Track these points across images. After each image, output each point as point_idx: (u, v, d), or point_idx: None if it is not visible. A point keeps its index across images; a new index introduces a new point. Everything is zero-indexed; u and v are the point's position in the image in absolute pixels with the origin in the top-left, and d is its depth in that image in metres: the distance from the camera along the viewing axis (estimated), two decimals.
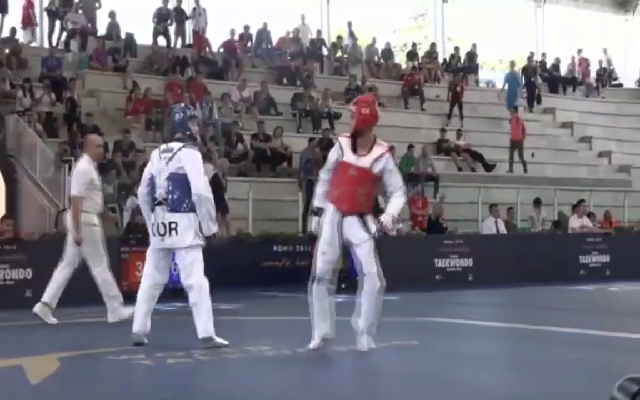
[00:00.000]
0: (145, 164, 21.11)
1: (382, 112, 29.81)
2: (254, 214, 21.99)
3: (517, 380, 8.16)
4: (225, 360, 9.08)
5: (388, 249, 19.83)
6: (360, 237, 9.67)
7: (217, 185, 20.81)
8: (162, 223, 9.74)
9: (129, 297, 15.17)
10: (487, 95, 33.56)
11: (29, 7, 27.80)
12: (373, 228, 9.71)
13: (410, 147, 26.42)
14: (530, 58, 34.38)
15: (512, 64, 33.15)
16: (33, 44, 28.71)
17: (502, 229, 23.09)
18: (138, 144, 22.65)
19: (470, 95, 32.10)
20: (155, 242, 9.92)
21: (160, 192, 9.82)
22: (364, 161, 9.54)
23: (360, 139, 9.68)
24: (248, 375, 8.45)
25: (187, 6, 30.28)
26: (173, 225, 9.70)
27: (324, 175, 9.81)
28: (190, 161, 9.80)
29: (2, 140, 20.45)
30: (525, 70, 33.83)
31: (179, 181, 9.73)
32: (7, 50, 25.74)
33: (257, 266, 19.73)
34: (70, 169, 19.77)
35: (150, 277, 10.00)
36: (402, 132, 28.48)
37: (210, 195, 9.85)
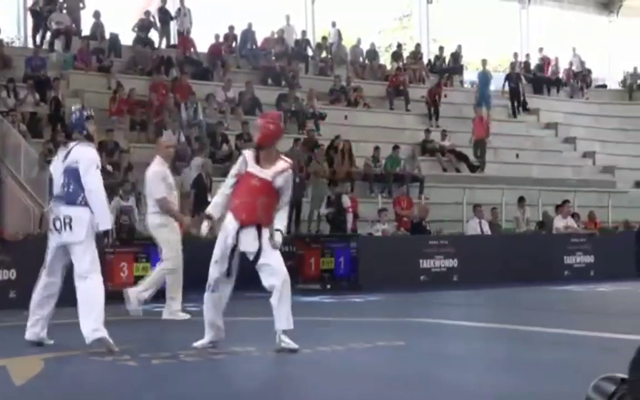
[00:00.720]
0: (130, 165, 21.24)
1: (367, 112, 30.23)
2: None
3: (503, 380, 8.17)
4: (211, 360, 9.07)
5: (373, 250, 20.02)
6: (254, 247, 9.65)
7: (200, 186, 20.84)
8: (58, 218, 9.65)
9: (113, 298, 15.17)
10: (472, 96, 33.55)
11: None
12: (265, 241, 9.68)
13: (396, 147, 26.48)
14: (513, 64, 34.36)
15: (484, 62, 32.96)
16: (17, 44, 28.66)
17: (486, 229, 23.13)
18: (122, 144, 22.62)
19: (454, 96, 32.18)
20: (52, 238, 9.83)
21: (56, 189, 9.82)
22: (267, 173, 9.66)
23: (264, 153, 9.79)
24: (234, 376, 8.44)
25: (172, 6, 30.23)
26: (67, 220, 9.59)
27: (225, 188, 9.88)
28: (82, 156, 9.75)
29: None
30: (508, 76, 33.83)
31: (74, 175, 9.68)
32: None
33: (240, 267, 19.66)
34: None
35: (46, 273, 9.95)
36: (387, 132, 28.61)
37: (101, 191, 9.72)
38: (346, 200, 21.31)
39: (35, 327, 9.84)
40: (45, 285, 9.88)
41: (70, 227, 9.57)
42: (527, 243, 22.76)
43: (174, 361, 8.99)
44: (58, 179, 9.79)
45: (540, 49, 36.77)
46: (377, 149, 26.35)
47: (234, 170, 9.90)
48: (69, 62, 26.66)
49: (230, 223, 9.62)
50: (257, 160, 9.72)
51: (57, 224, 9.62)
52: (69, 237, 9.60)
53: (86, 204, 9.60)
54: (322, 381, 8.12)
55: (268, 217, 9.68)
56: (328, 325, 13.02)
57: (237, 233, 9.59)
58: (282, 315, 9.59)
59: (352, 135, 27.17)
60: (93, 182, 9.65)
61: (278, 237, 9.63)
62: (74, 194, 9.63)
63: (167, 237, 13.00)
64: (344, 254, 19.61)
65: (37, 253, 15.92)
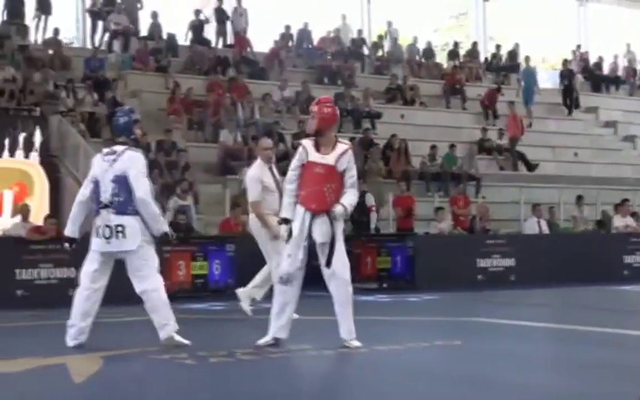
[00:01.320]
0: (187, 164, 21.35)
1: (424, 111, 30.08)
2: None
3: (557, 380, 8.10)
4: (268, 359, 9.08)
5: (430, 249, 19.94)
6: (328, 237, 9.55)
7: None
8: (107, 226, 9.57)
9: (171, 297, 15.27)
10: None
11: None
12: (341, 227, 9.67)
13: (452, 146, 26.35)
14: (566, 61, 34.00)
15: (527, 59, 32.66)
16: (75, 45, 28.94)
17: (545, 228, 22.94)
18: (180, 143, 22.76)
19: (512, 94, 31.93)
20: (97, 244, 9.73)
21: (105, 196, 9.69)
22: (329, 158, 9.59)
23: (323, 139, 9.71)
24: (290, 375, 8.44)
25: (229, 6, 30.36)
26: (120, 229, 9.55)
27: (289, 184, 9.75)
28: (132, 164, 9.68)
29: (46, 141, 20.59)
30: (561, 73, 33.49)
31: (124, 183, 9.61)
32: (50, 51, 25.96)
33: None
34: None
35: (87, 279, 9.86)
36: (443, 131, 28.48)
37: (151, 197, 9.65)
38: (370, 199, 21.06)
39: (83, 334, 9.73)
40: (88, 296, 9.79)
41: (124, 236, 9.55)
42: (585, 242, 22.50)
43: (231, 360, 9.01)
44: (107, 185, 9.67)
45: (578, 46, 36.31)
46: (433, 147, 26.24)
47: (295, 163, 9.77)
48: (127, 62, 26.87)
49: (300, 214, 9.57)
50: (317, 148, 9.66)
51: (107, 232, 9.57)
52: (122, 246, 9.59)
53: (136, 213, 9.56)
54: (380, 381, 8.10)
55: (336, 202, 9.61)
56: (385, 324, 12.99)
57: (310, 223, 9.55)
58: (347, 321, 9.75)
59: (408, 134, 27.12)
60: (144, 190, 9.59)
61: (339, 209, 9.52)
62: (125, 204, 9.58)
63: (266, 239, 12.94)
64: (400, 253, 19.56)
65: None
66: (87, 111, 23.22)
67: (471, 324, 12.79)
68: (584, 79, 35.13)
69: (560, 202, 24.88)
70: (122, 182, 9.58)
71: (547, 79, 38.18)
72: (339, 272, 9.68)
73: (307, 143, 9.79)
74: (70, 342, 9.66)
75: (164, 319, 9.60)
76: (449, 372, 8.63)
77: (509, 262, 20.72)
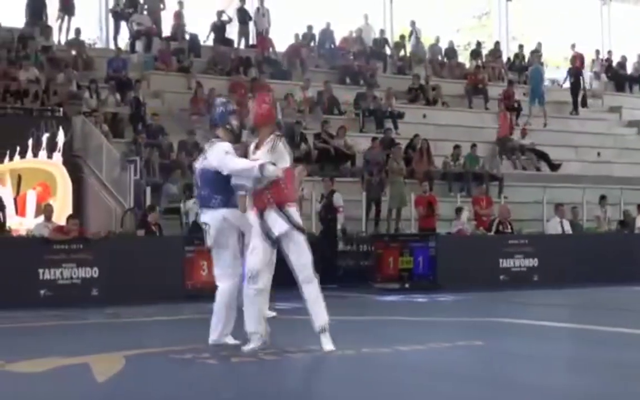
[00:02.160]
0: None
1: (446, 111, 30.08)
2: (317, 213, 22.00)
3: (581, 381, 8.07)
4: (289, 359, 9.10)
5: (452, 249, 19.92)
6: (280, 227, 9.40)
7: None
8: (205, 222, 9.67)
9: (193, 297, 15.34)
10: (552, 93, 33.19)
11: None
12: (296, 217, 9.55)
13: (474, 146, 26.30)
14: (574, 58, 33.75)
15: (536, 57, 32.34)
16: (98, 45, 29.05)
17: (568, 228, 22.86)
18: (202, 143, 22.77)
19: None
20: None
21: (196, 191, 9.96)
22: (259, 154, 9.50)
23: (259, 136, 9.70)
24: (311, 374, 8.45)
25: (251, 6, 30.41)
26: (207, 227, 9.62)
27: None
28: (213, 153, 9.65)
29: (69, 141, 20.67)
30: (569, 71, 33.28)
31: (207, 176, 9.63)
32: (73, 52, 26.07)
33: (321, 266, 19.74)
34: (135, 168, 20.03)
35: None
36: (466, 131, 28.42)
37: (240, 165, 9.42)
38: (338, 199, 20.90)
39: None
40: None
41: (209, 233, 9.61)
42: (608, 242, 22.41)
43: (253, 359, 9.01)
44: (196, 181, 9.82)
45: (573, 46, 35.86)
46: (456, 147, 26.19)
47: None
48: (150, 62, 26.96)
49: (253, 216, 9.49)
50: (257, 146, 9.64)
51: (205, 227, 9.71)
52: (209, 242, 9.68)
53: (220, 205, 9.54)
54: (402, 381, 8.10)
55: (282, 194, 9.48)
56: (407, 324, 12.99)
57: (263, 221, 9.42)
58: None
59: (430, 133, 27.10)
60: (229, 164, 9.45)
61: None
62: (208, 198, 9.62)
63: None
64: (422, 253, 19.53)
65: (119, 251, 16.24)
66: (110, 111, 23.31)
67: (493, 325, 12.76)
68: (607, 78, 34.98)
69: (583, 202, 24.80)
70: (205, 176, 9.68)
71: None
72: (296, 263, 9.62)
73: (252, 144, 9.77)
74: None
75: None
76: (471, 373, 8.62)
77: (532, 262, 20.66)
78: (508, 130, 27.92)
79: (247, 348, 9.29)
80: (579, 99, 32.25)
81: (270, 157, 9.39)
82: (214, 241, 9.62)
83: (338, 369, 8.87)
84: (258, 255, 9.32)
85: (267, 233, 9.36)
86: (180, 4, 28.84)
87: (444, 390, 7.61)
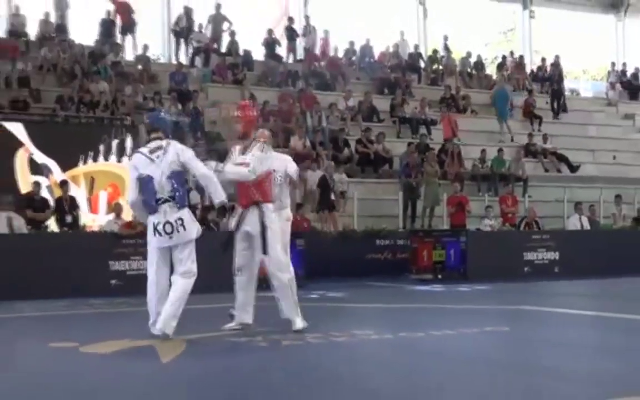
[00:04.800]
0: None
1: (475, 118, 29.91)
2: (358, 211, 22.05)
3: (601, 364, 8.00)
4: (334, 343, 9.09)
5: (481, 243, 19.84)
6: (256, 224, 9.63)
7: (324, 185, 20.98)
8: (168, 222, 9.07)
9: None
10: (572, 102, 32.96)
11: None
12: (272, 216, 9.74)
13: (500, 150, 26.21)
14: (554, 64, 33.34)
15: (503, 78, 31.58)
16: (162, 61, 29.23)
17: (586, 225, 22.77)
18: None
19: (541, 101, 31.58)
20: (160, 241, 9.19)
21: (166, 191, 9.10)
22: (248, 156, 9.67)
23: (246, 141, 9.85)
24: (353, 357, 8.44)
25: (298, 25, 30.50)
26: (180, 222, 9.08)
27: None
28: (184, 151, 9.30)
29: (136, 146, 20.67)
30: (550, 78, 32.93)
31: (179, 177, 9.16)
32: (139, 67, 26.25)
33: (362, 258, 19.81)
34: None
35: (161, 275, 9.33)
36: (492, 136, 28.42)
37: (210, 172, 9.28)
38: None
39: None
40: (158, 283, 9.28)
41: (184, 228, 9.12)
42: (624, 237, 22.20)
43: (301, 342, 9.03)
44: (164, 182, 9.11)
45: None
46: (483, 151, 26.15)
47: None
48: (208, 76, 27.07)
49: (237, 211, 9.83)
50: (244, 150, 9.79)
51: (168, 228, 9.09)
52: (183, 237, 9.16)
53: (187, 205, 9.28)
54: (430, 364, 8.08)
55: (265, 194, 9.76)
56: (439, 312, 12.95)
57: (243, 217, 9.69)
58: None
59: (461, 139, 27.05)
60: (203, 168, 9.25)
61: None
62: (184, 198, 9.22)
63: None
64: (454, 247, 19.45)
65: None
66: (172, 120, 23.39)
67: (518, 312, 12.69)
68: (622, 88, 34.68)
69: (600, 201, 24.70)
70: (177, 177, 9.15)
71: (589, 89, 37.83)
72: (272, 259, 9.69)
73: (235, 148, 9.87)
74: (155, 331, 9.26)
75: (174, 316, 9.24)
76: (498, 356, 8.57)
77: (553, 255, 20.53)
78: (451, 133, 26.98)
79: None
80: (557, 104, 31.78)
81: (259, 159, 9.63)
82: (195, 235, 9.43)
83: (377, 351, 8.86)
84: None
85: (237, 226, 9.66)
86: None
87: (472, 372, 7.58)
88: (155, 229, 9.13)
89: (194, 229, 9.26)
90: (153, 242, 9.25)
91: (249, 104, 10.61)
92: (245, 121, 9.90)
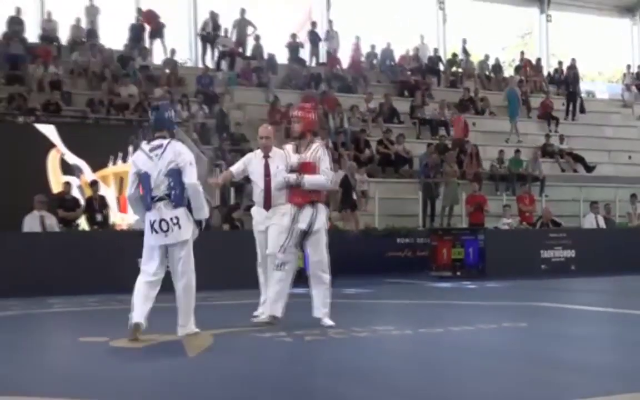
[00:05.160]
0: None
1: (493, 119, 29.80)
2: (379, 210, 22.04)
3: (615, 358, 7.97)
4: (355, 338, 9.09)
5: (499, 241, 19.78)
6: (309, 226, 9.78)
7: (346, 185, 20.98)
8: (164, 219, 8.77)
9: None
10: (588, 104, 32.79)
11: None
12: (323, 218, 9.86)
13: (518, 151, 26.14)
14: (570, 67, 33.14)
15: (512, 80, 31.02)
16: (189, 64, 29.31)
17: (602, 223, 22.68)
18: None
19: (558, 103, 31.44)
20: (156, 239, 8.89)
21: (161, 189, 8.82)
22: (306, 156, 9.77)
23: (303, 141, 9.88)
24: (374, 352, 8.44)
25: (321, 30, 30.52)
26: (175, 221, 8.78)
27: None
28: (183, 154, 8.91)
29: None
30: (566, 80, 32.74)
31: (177, 176, 8.80)
32: (167, 71, 26.33)
33: (383, 256, 19.82)
34: (221, 171, 20.13)
35: (148, 274, 8.97)
36: (510, 137, 28.27)
37: (200, 186, 8.99)
38: None
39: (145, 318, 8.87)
40: (152, 283, 8.97)
41: (179, 227, 8.81)
42: (639, 236, 22.10)
43: (324, 338, 9.04)
44: (160, 179, 8.83)
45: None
46: (501, 152, 26.08)
47: (283, 166, 9.95)
48: (233, 79, 27.12)
49: (287, 209, 9.87)
50: (297, 150, 9.86)
51: (164, 226, 8.80)
52: (177, 237, 8.85)
53: (186, 204, 8.92)
54: (451, 357, 8.06)
55: (318, 194, 9.86)
56: (459, 308, 12.92)
57: (296, 215, 9.76)
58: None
59: (479, 140, 27.01)
60: (195, 178, 8.88)
61: (288, 176, 9.80)
62: (180, 197, 8.85)
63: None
64: (472, 245, 19.42)
65: (208, 243, 16.31)
66: (198, 122, 23.48)
67: (536, 308, 12.64)
68: (637, 90, 34.47)
69: (615, 200, 24.59)
70: (175, 175, 8.82)
71: (604, 91, 37.63)
72: (317, 258, 9.81)
73: (288, 147, 9.92)
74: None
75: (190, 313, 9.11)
76: (516, 351, 8.55)
77: (570, 253, 20.46)
78: (462, 133, 26.75)
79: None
80: (573, 106, 31.48)
81: (322, 159, 9.74)
82: (191, 235, 9.18)
83: (397, 346, 8.86)
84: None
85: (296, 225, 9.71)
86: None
87: (490, 366, 7.56)
88: (151, 226, 8.93)
89: (189, 229, 8.96)
90: (150, 240, 9.00)
91: (310, 106, 10.62)
92: (304, 122, 9.91)
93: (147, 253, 9.05)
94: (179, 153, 8.91)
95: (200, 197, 8.98)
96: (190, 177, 8.84)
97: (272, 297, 9.83)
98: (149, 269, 8.98)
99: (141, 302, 8.84)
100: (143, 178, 8.94)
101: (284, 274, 9.78)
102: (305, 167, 9.74)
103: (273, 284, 9.84)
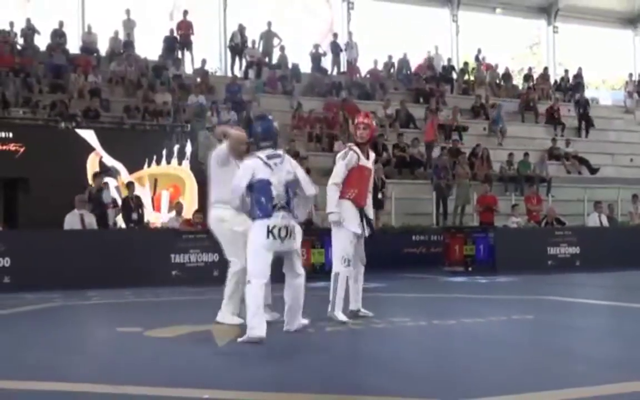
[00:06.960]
0: (307, 169, 21.42)
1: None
2: (396, 209, 22.03)
3: (618, 349, 7.90)
4: (373, 329, 9.06)
5: (508, 239, 19.70)
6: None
7: (375, 185, 20.93)
8: (286, 227, 8.36)
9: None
10: (593, 110, 32.60)
11: None
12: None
13: (526, 154, 26.09)
14: (576, 76, 32.80)
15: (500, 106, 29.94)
16: (219, 73, 29.39)
17: (605, 222, 22.54)
18: (302, 152, 22.92)
19: (564, 110, 31.31)
20: (273, 245, 8.33)
21: (283, 197, 8.42)
22: (369, 163, 9.78)
23: (365, 147, 9.78)
24: (391, 342, 8.42)
25: (342, 40, 30.55)
26: (293, 229, 8.44)
27: (339, 181, 9.58)
28: (298, 167, 8.81)
29: (195, 151, 20.91)
30: (570, 89, 32.50)
31: (292, 188, 8.55)
32: (198, 79, 26.40)
33: (399, 252, 19.78)
34: None
35: (263, 277, 8.36)
36: (519, 141, 28.25)
37: (313, 198, 8.98)
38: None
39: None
40: (264, 286, 8.46)
41: (294, 237, 8.50)
42: None
43: (343, 329, 9.03)
44: (281, 189, 8.42)
45: (479, 50, 34.12)
46: (510, 155, 26.02)
47: (346, 164, 9.59)
48: (260, 87, 27.17)
49: (354, 209, 9.65)
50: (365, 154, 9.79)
51: (283, 233, 8.35)
52: (293, 246, 8.53)
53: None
54: (462, 349, 8.03)
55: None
56: (470, 301, 12.87)
57: (361, 215, 9.69)
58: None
59: (489, 143, 26.95)
60: (309, 186, 8.77)
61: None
62: (294, 208, 8.57)
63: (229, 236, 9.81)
64: (483, 242, 19.33)
65: None
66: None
67: (543, 302, 12.56)
68: (639, 96, 34.26)
69: (618, 200, 24.47)
70: (292, 186, 8.57)
71: (608, 97, 37.42)
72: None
73: (356, 149, 9.70)
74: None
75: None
76: (524, 342, 8.51)
77: (575, 250, 20.33)
78: (433, 135, 26.02)
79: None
80: (585, 124, 30.76)
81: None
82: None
83: (413, 336, 8.83)
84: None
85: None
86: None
87: (500, 356, 7.53)
88: (270, 231, 8.39)
89: (300, 240, 8.69)
90: (264, 244, 8.36)
91: (370, 114, 10.70)
92: (371, 129, 9.84)
93: (258, 257, 8.38)
94: (295, 165, 8.77)
95: (309, 205, 9.32)
96: (311, 189, 8.78)
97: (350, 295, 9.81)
98: (263, 273, 8.40)
99: (261, 312, 8.30)
100: (263, 184, 8.46)
101: (352, 269, 9.69)
102: (370, 174, 9.90)
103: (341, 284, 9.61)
